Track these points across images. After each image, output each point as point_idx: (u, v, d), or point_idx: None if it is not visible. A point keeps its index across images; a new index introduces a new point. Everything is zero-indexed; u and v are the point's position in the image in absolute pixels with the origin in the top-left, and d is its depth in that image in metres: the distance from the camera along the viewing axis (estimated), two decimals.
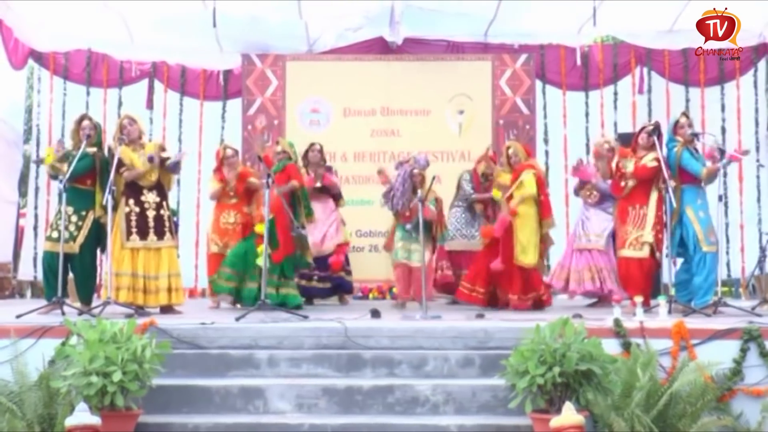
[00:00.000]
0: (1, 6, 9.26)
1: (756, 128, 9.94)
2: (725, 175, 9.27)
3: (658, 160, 6.63)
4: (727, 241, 9.61)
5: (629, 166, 6.83)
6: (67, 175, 6.48)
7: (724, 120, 9.95)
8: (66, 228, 6.60)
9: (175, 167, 6.91)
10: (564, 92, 10.20)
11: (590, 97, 10.18)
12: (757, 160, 9.37)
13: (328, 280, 8.18)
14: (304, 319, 5.97)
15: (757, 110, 9.97)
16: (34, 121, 10.41)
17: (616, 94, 10.12)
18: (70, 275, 6.89)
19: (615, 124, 10.04)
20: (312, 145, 8.34)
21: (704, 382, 4.79)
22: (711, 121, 9.85)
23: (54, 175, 6.85)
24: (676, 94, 10.05)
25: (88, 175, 6.77)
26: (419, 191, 7.04)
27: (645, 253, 6.66)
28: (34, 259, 9.91)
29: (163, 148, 7.00)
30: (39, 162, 6.82)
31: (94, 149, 6.83)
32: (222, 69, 10.20)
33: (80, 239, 6.72)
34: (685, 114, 7.11)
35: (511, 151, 7.50)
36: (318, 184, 8.10)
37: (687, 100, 10.01)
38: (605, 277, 7.73)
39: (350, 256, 8.55)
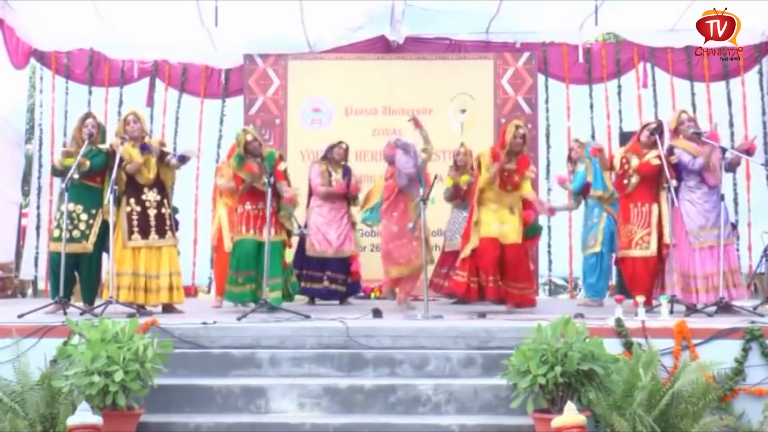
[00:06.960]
0: (3, 6, 9.26)
1: (764, 129, 9.88)
2: (734, 173, 9.35)
3: (660, 157, 6.60)
4: (737, 238, 9.62)
5: (634, 162, 6.81)
6: (72, 173, 6.35)
7: (731, 115, 9.91)
8: (77, 227, 6.59)
9: (182, 160, 6.83)
10: (567, 85, 10.16)
11: (594, 90, 10.13)
12: (765, 161, 9.33)
13: (344, 283, 8.21)
14: (305, 319, 5.97)
15: (763, 111, 9.93)
16: (36, 120, 10.42)
17: (620, 87, 10.07)
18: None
19: (620, 116, 9.97)
20: (339, 142, 8.34)
21: (706, 381, 4.78)
22: (718, 116, 9.78)
23: (60, 173, 6.73)
24: (681, 88, 10.01)
25: (100, 173, 6.71)
26: (421, 190, 6.84)
27: (652, 250, 6.63)
28: (35, 259, 9.92)
29: (162, 144, 6.98)
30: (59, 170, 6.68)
31: (107, 146, 6.77)
32: (223, 68, 10.18)
33: (92, 238, 6.67)
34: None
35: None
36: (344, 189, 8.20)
37: (693, 94, 9.97)
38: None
39: None
